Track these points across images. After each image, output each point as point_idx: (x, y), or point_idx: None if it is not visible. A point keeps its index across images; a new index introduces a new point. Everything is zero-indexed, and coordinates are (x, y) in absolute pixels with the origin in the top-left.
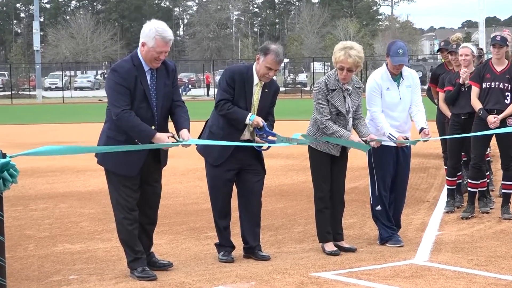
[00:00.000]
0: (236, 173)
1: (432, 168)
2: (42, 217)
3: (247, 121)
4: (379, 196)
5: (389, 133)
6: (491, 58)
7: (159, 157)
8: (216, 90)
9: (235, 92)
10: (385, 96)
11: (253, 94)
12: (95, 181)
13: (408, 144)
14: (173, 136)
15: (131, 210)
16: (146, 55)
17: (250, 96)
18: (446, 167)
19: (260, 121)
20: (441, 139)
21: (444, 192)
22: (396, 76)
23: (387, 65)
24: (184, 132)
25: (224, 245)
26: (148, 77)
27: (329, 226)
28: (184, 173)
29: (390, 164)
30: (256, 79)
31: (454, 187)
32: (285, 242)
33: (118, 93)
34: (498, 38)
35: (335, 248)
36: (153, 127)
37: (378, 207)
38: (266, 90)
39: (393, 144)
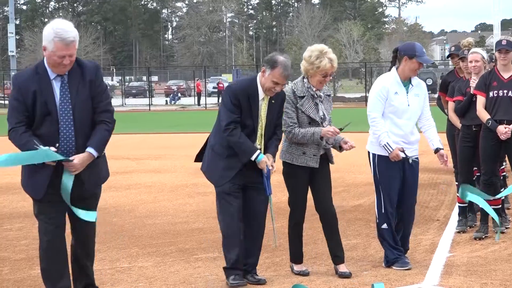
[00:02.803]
0: (241, 189)
1: (443, 184)
2: (18, 238)
3: (253, 158)
4: (385, 213)
5: (386, 143)
6: (496, 65)
7: (80, 177)
8: (205, 97)
9: (241, 110)
10: (392, 100)
11: (260, 109)
12: None
13: (407, 158)
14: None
15: (51, 239)
16: (49, 60)
17: (256, 113)
18: (457, 183)
19: (265, 166)
20: (452, 152)
21: (456, 210)
22: (406, 81)
23: (397, 69)
24: (80, 155)
25: (235, 268)
26: (58, 85)
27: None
28: (173, 190)
29: (397, 178)
30: (261, 94)
31: (466, 205)
32: (282, 265)
33: (13, 108)
34: (504, 42)
35: (304, 268)
36: (57, 145)
37: (384, 226)
38: (273, 101)
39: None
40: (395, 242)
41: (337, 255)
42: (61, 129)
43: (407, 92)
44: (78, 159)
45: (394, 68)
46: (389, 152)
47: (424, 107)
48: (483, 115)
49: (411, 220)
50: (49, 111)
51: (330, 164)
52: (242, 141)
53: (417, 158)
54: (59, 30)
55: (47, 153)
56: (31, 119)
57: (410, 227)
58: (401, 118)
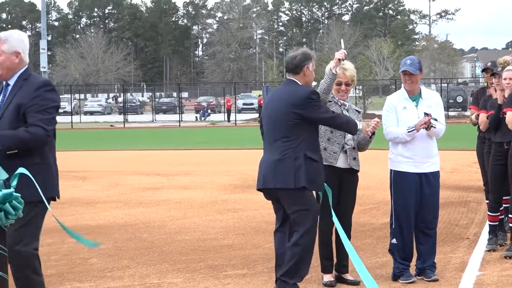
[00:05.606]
0: None
1: (473, 202)
2: (48, 253)
3: (360, 126)
4: (396, 228)
5: (406, 128)
6: None
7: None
8: (235, 113)
9: None
10: (401, 115)
11: None
12: (105, 214)
13: (429, 123)
14: None
15: None
16: None
17: None
18: (487, 201)
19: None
20: (481, 170)
21: (486, 228)
22: (415, 96)
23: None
24: None
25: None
26: (3, 91)
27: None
28: (203, 206)
29: (412, 193)
30: None
31: (497, 223)
32: (312, 272)
33: None
34: None
35: (332, 279)
36: None
37: (394, 241)
38: None
39: (415, 170)
40: (403, 258)
41: (344, 265)
42: None
43: (417, 105)
44: None
45: (402, 86)
46: (414, 129)
47: (437, 115)
48: None
49: (433, 235)
50: None
51: (357, 173)
52: (348, 118)
53: (437, 172)
54: None
55: None
56: None
57: (433, 242)
58: None
